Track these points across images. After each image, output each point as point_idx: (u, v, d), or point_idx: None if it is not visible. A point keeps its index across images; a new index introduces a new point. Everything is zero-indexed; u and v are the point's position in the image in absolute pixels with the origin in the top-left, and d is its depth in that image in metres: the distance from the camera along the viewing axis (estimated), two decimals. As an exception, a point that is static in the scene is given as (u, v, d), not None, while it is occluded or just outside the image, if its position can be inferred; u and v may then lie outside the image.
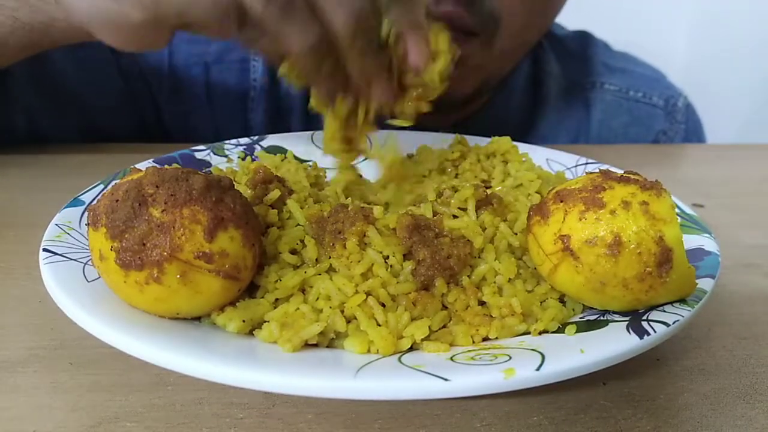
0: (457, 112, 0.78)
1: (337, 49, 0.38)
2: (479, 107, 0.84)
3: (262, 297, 0.31)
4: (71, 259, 0.32)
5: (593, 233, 0.29)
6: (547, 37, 0.89)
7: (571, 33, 0.96)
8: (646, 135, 0.91)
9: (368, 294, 0.31)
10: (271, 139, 0.57)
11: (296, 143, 0.57)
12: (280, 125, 0.78)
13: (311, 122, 0.69)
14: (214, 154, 0.53)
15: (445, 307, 0.32)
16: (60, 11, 0.49)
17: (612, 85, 0.90)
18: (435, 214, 0.37)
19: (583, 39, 0.94)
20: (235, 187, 0.31)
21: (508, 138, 0.53)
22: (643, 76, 0.92)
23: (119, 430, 0.28)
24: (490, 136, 0.59)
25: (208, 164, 0.51)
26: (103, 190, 0.41)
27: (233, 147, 0.55)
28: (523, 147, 0.57)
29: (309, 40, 0.37)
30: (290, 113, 0.80)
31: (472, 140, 0.58)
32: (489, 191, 0.39)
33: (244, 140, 0.56)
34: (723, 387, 0.33)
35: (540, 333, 0.31)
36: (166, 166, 0.31)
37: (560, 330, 0.31)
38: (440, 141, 0.58)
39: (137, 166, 0.40)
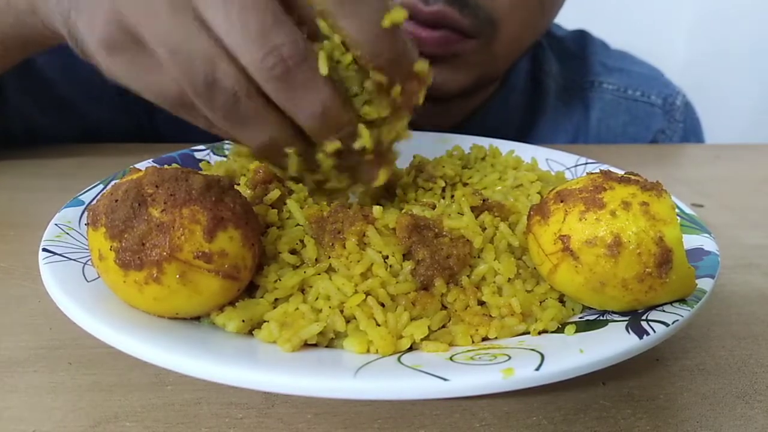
0: (451, 107, 0.78)
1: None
2: (478, 106, 0.83)
3: (262, 297, 0.31)
4: (71, 259, 0.32)
5: (593, 233, 0.29)
6: (546, 37, 0.89)
7: (569, 33, 0.96)
8: (644, 134, 0.91)
9: (368, 294, 0.31)
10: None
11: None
12: None
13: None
14: (214, 153, 0.53)
15: (444, 307, 0.32)
16: (38, 21, 0.48)
17: (610, 85, 0.90)
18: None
19: (582, 39, 0.94)
20: (235, 187, 0.31)
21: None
22: (641, 75, 0.92)
23: (118, 430, 0.28)
24: (489, 136, 0.59)
25: (207, 164, 0.51)
26: (102, 190, 0.41)
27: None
28: (522, 147, 0.57)
29: (265, 138, 0.34)
30: None
31: (471, 140, 0.58)
32: (488, 199, 0.39)
33: None
34: (722, 387, 0.33)
35: (539, 333, 0.31)
36: (165, 166, 0.31)
37: (560, 330, 0.31)
38: (441, 141, 0.58)
39: (137, 166, 0.40)
